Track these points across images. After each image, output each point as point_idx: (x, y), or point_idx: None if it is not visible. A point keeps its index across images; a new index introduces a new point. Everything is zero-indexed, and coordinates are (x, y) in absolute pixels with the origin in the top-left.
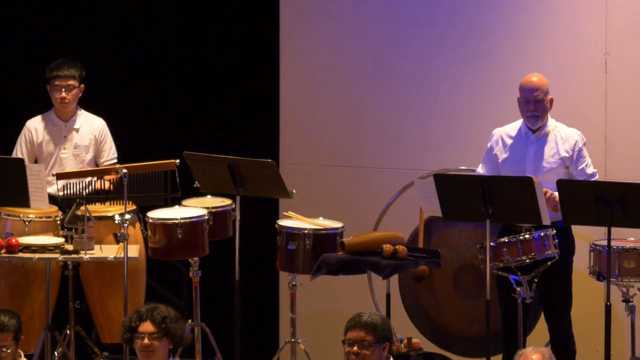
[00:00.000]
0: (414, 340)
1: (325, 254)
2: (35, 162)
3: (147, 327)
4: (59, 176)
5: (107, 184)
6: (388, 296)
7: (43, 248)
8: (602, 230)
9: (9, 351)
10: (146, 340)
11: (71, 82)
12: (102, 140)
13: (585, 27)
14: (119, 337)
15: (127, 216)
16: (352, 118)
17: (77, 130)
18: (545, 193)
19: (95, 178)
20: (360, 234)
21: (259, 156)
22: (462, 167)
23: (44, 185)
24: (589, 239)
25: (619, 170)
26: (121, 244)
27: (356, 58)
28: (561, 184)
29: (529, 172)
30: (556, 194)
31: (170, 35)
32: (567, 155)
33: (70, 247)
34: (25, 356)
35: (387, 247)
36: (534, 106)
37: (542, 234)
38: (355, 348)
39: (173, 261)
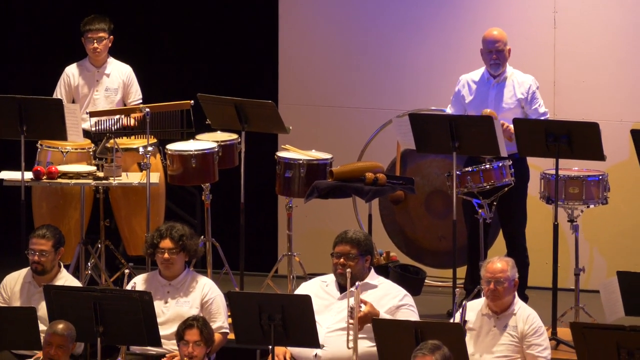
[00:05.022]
0: (391, 254)
1: (316, 181)
2: (73, 102)
3: (167, 243)
4: (92, 114)
5: (132, 122)
6: (370, 216)
7: (78, 175)
8: (551, 161)
9: (48, 257)
10: (166, 255)
11: (101, 34)
12: (129, 84)
13: None
14: (143, 251)
15: (149, 148)
16: (340, 65)
17: (107, 76)
18: (502, 125)
19: (123, 116)
20: (347, 164)
21: (261, 98)
22: (433, 108)
23: (79, 122)
24: (540, 168)
25: (566, 110)
26: (144, 172)
27: (346, 13)
28: (517, 122)
29: None
30: (512, 126)
31: None
32: (522, 97)
33: (101, 174)
34: (64, 266)
35: (369, 175)
36: (496, 55)
37: (501, 164)
38: (341, 260)
39: (188, 186)
